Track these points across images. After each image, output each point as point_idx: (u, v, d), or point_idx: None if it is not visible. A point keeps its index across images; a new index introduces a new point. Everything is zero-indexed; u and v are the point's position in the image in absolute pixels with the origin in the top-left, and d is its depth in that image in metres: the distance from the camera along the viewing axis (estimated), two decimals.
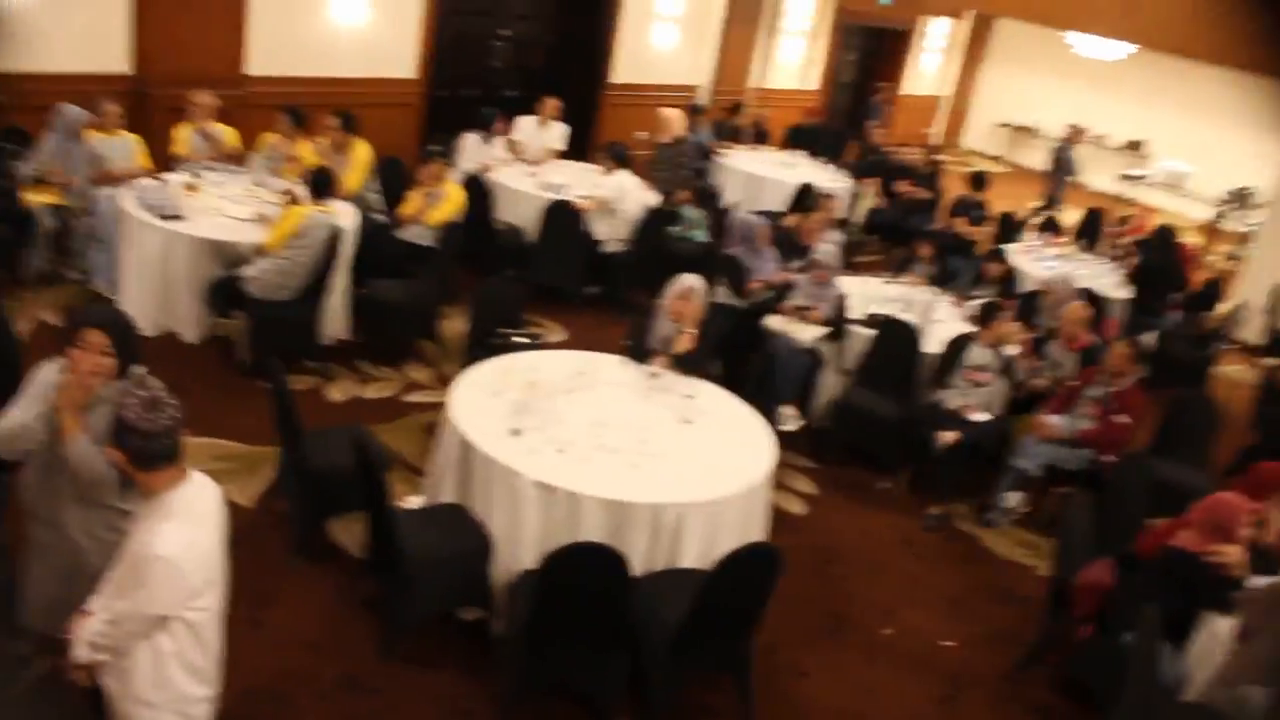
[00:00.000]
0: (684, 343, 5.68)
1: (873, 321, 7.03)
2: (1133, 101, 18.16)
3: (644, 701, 4.35)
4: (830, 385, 7.01)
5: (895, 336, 6.89)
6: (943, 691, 5.01)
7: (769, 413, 6.68)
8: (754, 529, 4.93)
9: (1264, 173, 14.36)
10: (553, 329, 8.10)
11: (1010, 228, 10.77)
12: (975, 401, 6.52)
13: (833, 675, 4.95)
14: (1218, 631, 4.58)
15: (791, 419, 6.69)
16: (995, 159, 19.67)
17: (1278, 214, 11.30)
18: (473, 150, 8.94)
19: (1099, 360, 6.60)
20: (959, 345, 6.63)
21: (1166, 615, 4.66)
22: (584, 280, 8.51)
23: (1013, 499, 6.43)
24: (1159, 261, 9.01)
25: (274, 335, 6.40)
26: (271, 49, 9.11)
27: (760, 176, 10.91)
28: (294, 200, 6.80)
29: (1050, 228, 10.86)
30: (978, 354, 6.58)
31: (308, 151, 7.77)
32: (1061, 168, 14.45)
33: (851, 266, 9.73)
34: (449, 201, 7.56)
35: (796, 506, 6.35)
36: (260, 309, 6.39)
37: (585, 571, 3.99)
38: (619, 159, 8.73)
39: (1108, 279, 9.48)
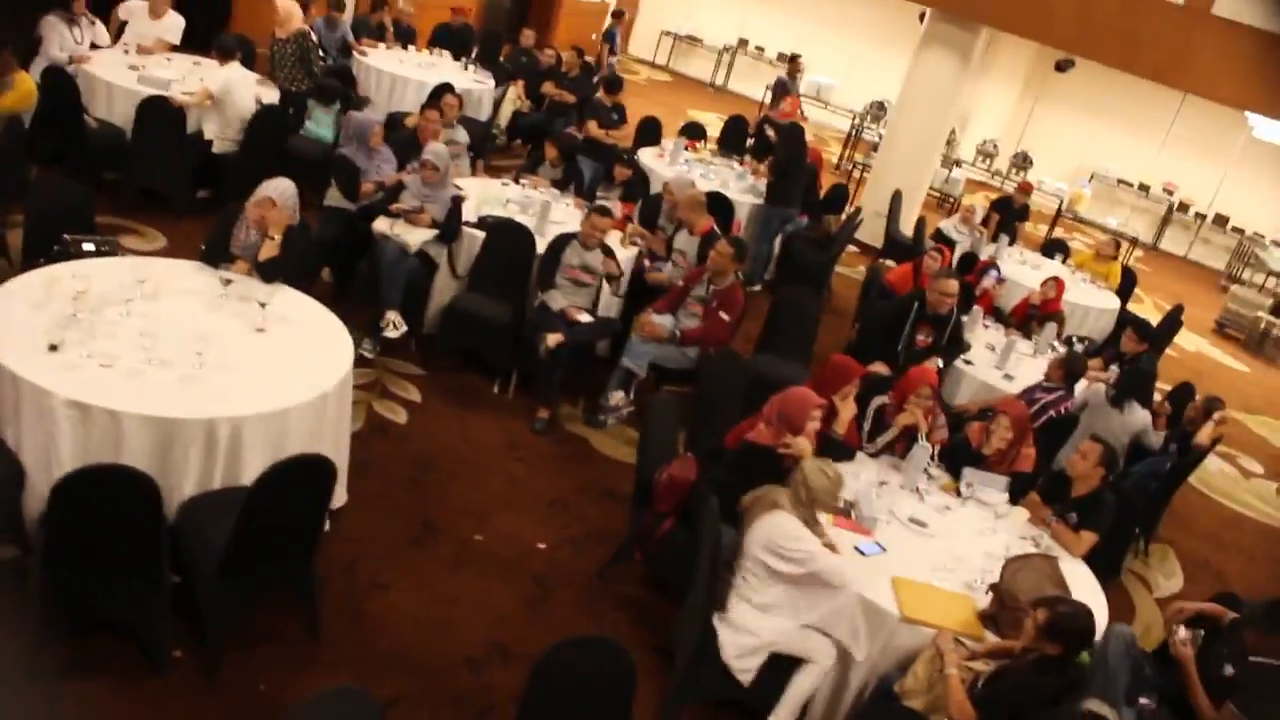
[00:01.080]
0: (266, 249, 5.30)
1: (484, 224, 6.85)
2: (789, 16, 18.83)
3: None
4: (443, 290, 6.80)
5: (508, 239, 6.74)
6: (532, 594, 4.99)
7: (375, 319, 6.48)
8: (329, 440, 4.68)
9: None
10: (152, 236, 7.45)
11: (653, 132, 10.89)
12: (580, 301, 6.52)
13: (416, 586, 4.81)
14: None
15: (395, 325, 6.44)
16: (661, 67, 19.95)
17: (897, 126, 11.97)
18: (57, 36, 8.00)
19: (706, 259, 6.74)
20: (559, 245, 6.56)
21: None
22: (190, 183, 7.86)
23: (616, 398, 6.49)
24: (789, 154, 9.31)
25: None
26: None
27: (401, 77, 10.48)
28: None
29: (690, 133, 11.05)
30: (580, 254, 6.55)
31: None
32: (780, 99, 14.48)
33: (490, 169, 9.54)
34: (13, 91, 6.74)
35: (398, 414, 6.15)
36: None
37: (103, 496, 3.63)
38: (228, 52, 8.06)
39: (737, 184, 9.75)
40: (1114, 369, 7.45)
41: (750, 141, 11.44)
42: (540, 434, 6.35)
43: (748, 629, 4.26)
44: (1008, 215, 11.01)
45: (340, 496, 5.12)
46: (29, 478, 4.11)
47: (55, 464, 4.05)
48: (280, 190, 5.32)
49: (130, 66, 8.24)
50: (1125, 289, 10.73)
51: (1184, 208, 17.15)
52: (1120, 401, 6.74)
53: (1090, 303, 9.76)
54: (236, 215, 5.41)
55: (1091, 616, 3.95)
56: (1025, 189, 11.42)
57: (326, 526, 4.86)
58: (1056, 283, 8.55)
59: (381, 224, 6.57)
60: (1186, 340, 12.55)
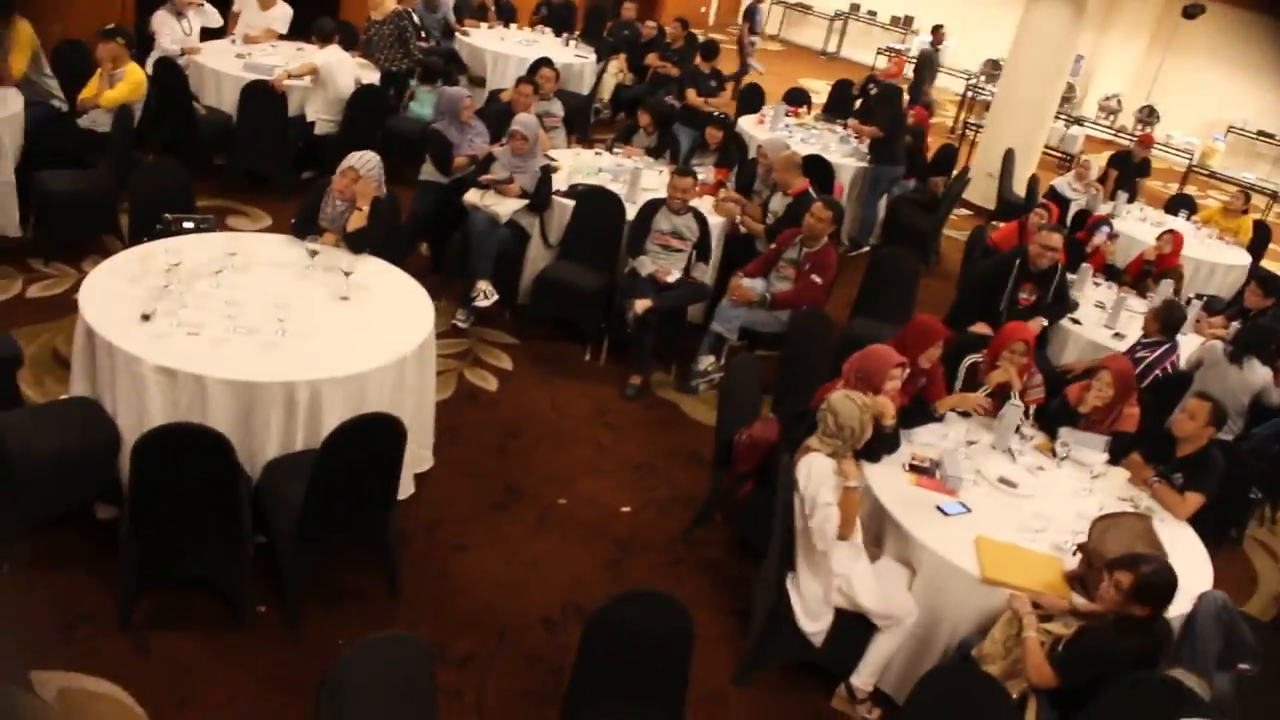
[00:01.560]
0: (354, 220, 5.42)
1: (574, 193, 6.87)
2: None
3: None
4: (536, 259, 6.85)
5: (598, 207, 6.74)
6: (613, 556, 4.99)
7: (468, 289, 6.57)
8: (409, 404, 4.76)
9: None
10: (257, 216, 7.69)
11: (755, 100, 10.77)
12: (670, 266, 6.48)
13: (496, 548, 4.87)
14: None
15: (485, 294, 6.50)
16: (772, 37, 19.70)
17: (1010, 83, 11.54)
18: (168, 30, 8.30)
19: (798, 221, 6.62)
20: (648, 211, 6.54)
21: None
22: (292, 164, 8.07)
23: (706, 363, 6.44)
24: (887, 114, 9.10)
25: None
26: None
27: (502, 54, 10.57)
28: None
29: (794, 99, 10.89)
30: (670, 219, 6.51)
31: None
32: (926, 68, 14.16)
33: (587, 141, 9.57)
34: (125, 82, 7.00)
35: (489, 382, 6.21)
36: None
37: (178, 454, 3.76)
38: (326, 35, 8.26)
39: (839, 147, 9.56)
40: (1235, 326, 7.08)
41: (857, 104, 11.20)
42: (631, 400, 6.34)
43: (809, 587, 4.18)
44: (1127, 171, 10.52)
45: (426, 460, 5.23)
46: (124, 441, 4.29)
47: (147, 427, 4.21)
48: (364, 161, 5.42)
49: (237, 55, 8.51)
50: (1259, 245, 10.18)
51: None
52: (1239, 358, 6.38)
53: (1218, 259, 9.30)
54: (325, 189, 5.55)
55: (1173, 570, 3.75)
56: (1145, 142, 10.87)
57: (412, 489, 4.99)
58: (1173, 236, 8.15)
59: (472, 195, 6.64)
60: None
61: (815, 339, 5.84)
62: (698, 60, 10.65)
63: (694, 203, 6.88)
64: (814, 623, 4.22)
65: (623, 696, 3.40)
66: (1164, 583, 3.67)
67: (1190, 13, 14.05)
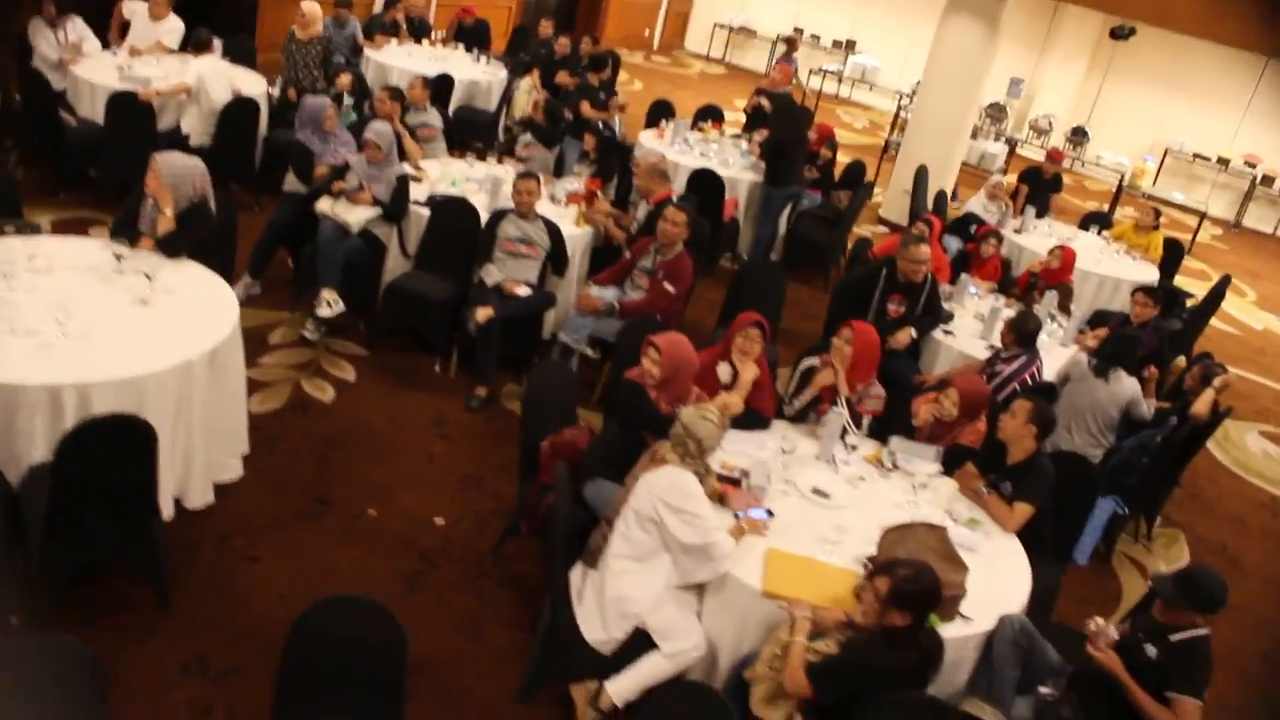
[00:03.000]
0: (162, 224, 5.24)
1: (430, 202, 6.72)
2: (844, 1, 18.42)
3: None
4: (395, 270, 6.68)
5: (454, 216, 6.59)
6: (414, 569, 4.79)
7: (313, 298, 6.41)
8: (199, 410, 4.58)
9: None
10: None
11: (664, 115, 10.65)
12: (522, 275, 6.32)
13: (290, 559, 4.67)
14: None
15: (329, 304, 6.31)
16: (716, 61, 19.67)
17: (925, 100, 11.43)
18: (42, 38, 8.16)
19: (653, 229, 6.48)
20: (495, 219, 6.37)
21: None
22: None
23: None
24: (785, 130, 8.95)
25: None
26: None
27: (408, 71, 10.44)
28: None
29: (705, 115, 10.78)
30: (518, 225, 6.36)
31: None
32: None
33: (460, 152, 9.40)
34: None
35: (325, 393, 6.03)
36: None
37: None
38: (202, 45, 8.13)
39: (737, 162, 9.43)
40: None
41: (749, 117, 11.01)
42: (474, 411, 6.16)
43: (622, 591, 3.99)
44: (1038, 187, 10.42)
45: (232, 469, 5.04)
46: None
47: None
48: (164, 160, 5.24)
49: (117, 67, 8.36)
50: (1171, 262, 10.07)
51: (1269, 181, 16.07)
52: (1104, 370, 6.22)
53: (1124, 275, 9.17)
54: (143, 191, 5.38)
55: (933, 572, 3.56)
56: (1055, 158, 10.74)
57: (211, 498, 4.81)
58: (1064, 252, 8.01)
59: (323, 203, 6.49)
60: (1254, 318, 11.75)
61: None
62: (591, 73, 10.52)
63: (561, 211, 6.75)
64: (612, 627, 4.02)
65: (332, 708, 3.21)
66: (921, 588, 3.48)
67: (1119, 34, 14.01)
